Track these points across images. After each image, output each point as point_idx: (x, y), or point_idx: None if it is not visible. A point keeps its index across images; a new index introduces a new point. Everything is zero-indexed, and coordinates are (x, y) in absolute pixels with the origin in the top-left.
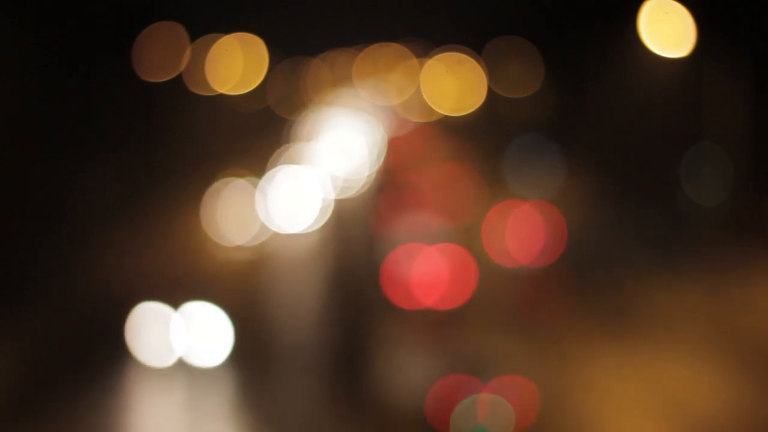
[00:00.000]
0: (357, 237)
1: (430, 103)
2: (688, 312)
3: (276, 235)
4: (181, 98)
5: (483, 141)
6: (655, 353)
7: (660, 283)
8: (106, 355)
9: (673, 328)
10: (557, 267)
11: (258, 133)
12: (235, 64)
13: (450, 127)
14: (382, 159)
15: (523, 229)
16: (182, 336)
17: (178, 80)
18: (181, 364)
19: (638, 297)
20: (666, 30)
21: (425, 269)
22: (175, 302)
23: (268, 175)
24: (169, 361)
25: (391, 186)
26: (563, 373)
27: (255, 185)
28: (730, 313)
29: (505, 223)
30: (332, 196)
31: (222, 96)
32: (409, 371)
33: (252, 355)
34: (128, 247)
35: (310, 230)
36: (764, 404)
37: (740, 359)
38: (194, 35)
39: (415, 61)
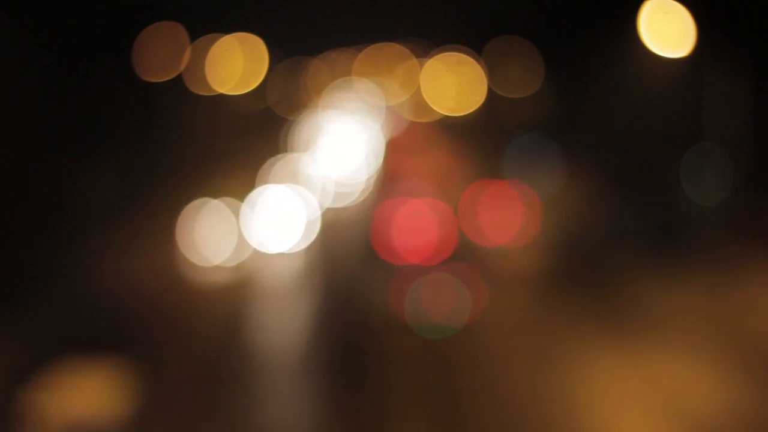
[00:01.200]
0: (355, 252)
1: (430, 103)
2: (688, 312)
3: (258, 254)
4: (181, 98)
5: (483, 141)
6: (655, 353)
7: (660, 283)
8: (105, 356)
9: (673, 328)
10: (532, 247)
11: (258, 133)
12: (235, 64)
13: (450, 127)
14: (381, 161)
15: (498, 209)
16: None
17: (178, 80)
18: None
19: (638, 297)
20: (666, 30)
21: (412, 224)
22: None
23: (252, 194)
24: None
25: (391, 188)
26: (563, 373)
27: (236, 206)
28: (730, 313)
29: (480, 203)
30: (320, 213)
31: (222, 96)
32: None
33: None
34: (128, 247)
35: (297, 249)
36: (764, 404)
37: (740, 359)
38: (194, 35)
39: (415, 61)
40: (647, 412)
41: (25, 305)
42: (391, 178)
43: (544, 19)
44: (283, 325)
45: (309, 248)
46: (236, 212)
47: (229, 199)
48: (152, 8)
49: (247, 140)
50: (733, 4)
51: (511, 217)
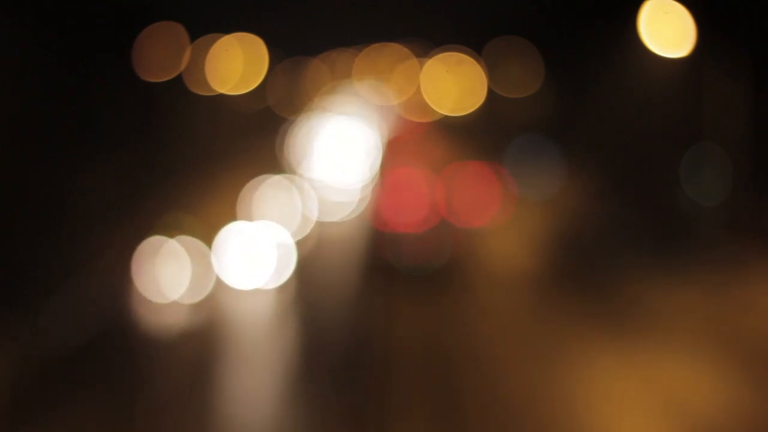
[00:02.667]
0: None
1: (430, 103)
2: (688, 312)
3: (225, 289)
4: (181, 98)
5: (483, 141)
6: (655, 353)
7: (660, 283)
8: (106, 356)
9: (673, 328)
10: (510, 229)
11: (258, 133)
12: (235, 64)
13: (450, 127)
14: (379, 163)
15: (474, 191)
16: None
17: (178, 80)
18: None
19: (638, 297)
20: (666, 30)
21: (402, 198)
22: None
23: (222, 232)
24: None
25: (390, 189)
26: (563, 373)
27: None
28: (730, 313)
29: (456, 185)
30: (305, 235)
31: (222, 96)
32: None
33: None
34: (128, 247)
35: (273, 284)
36: (764, 404)
37: (740, 359)
38: (194, 35)
39: (415, 61)
40: (647, 412)
41: (25, 305)
42: (389, 175)
43: (544, 19)
44: (276, 334)
45: (289, 282)
46: (202, 248)
47: (192, 238)
48: (152, 8)
49: (247, 140)
50: (733, 4)
51: (486, 199)
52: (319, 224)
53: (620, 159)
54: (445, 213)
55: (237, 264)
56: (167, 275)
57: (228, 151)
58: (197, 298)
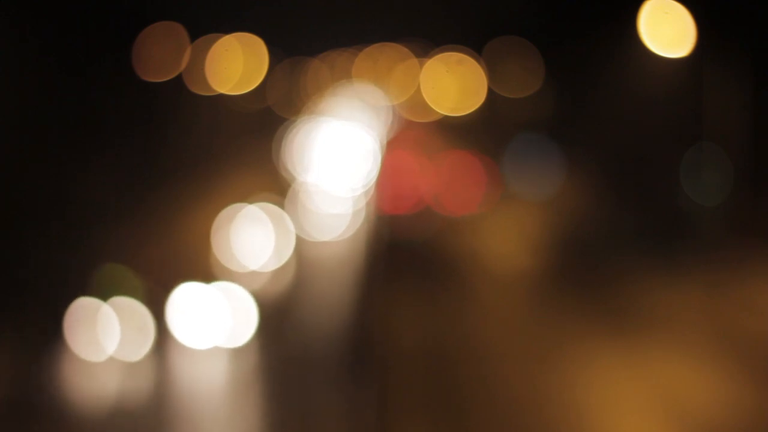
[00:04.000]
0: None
1: (430, 103)
2: (688, 312)
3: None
4: (181, 98)
5: (483, 141)
6: (655, 353)
7: (660, 283)
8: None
9: (673, 327)
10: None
11: (258, 133)
12: (235, 64)
13: (450, 127)
14: (378, 165)
15: (460, 179)
16: None
17: (178, 80)
18: None
19: (638, 297)
20: (666, 30)
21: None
22: None
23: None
24: None
25: (386, 179)
26: (564, 374)
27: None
28: (730, 313)
29: (443, 175)
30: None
31: (222, 96)
32: None
33: None
34: (127, 247)
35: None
36: (764, 404)
37: (740, 359)
38: (194, 35)
39: (415, 61)
40: (647, 411)
41: (24, 306)
42: (386, 166)
43: (544, 19)
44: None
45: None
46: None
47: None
48: (152, 8)
49: (247, 140)
50: (733, 4)
51: (470, 190)
52: (310, 245)
53: (620, 159)
54: (431, 201)
55: (192, 319)
56: (104, 330)
57: (227, 150)
58: (138, 356)
